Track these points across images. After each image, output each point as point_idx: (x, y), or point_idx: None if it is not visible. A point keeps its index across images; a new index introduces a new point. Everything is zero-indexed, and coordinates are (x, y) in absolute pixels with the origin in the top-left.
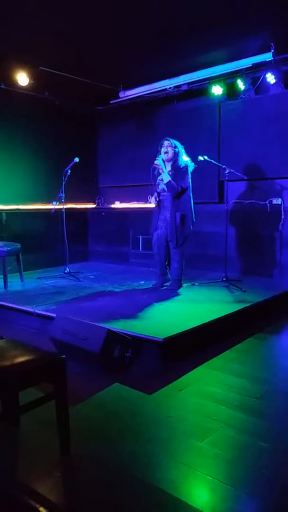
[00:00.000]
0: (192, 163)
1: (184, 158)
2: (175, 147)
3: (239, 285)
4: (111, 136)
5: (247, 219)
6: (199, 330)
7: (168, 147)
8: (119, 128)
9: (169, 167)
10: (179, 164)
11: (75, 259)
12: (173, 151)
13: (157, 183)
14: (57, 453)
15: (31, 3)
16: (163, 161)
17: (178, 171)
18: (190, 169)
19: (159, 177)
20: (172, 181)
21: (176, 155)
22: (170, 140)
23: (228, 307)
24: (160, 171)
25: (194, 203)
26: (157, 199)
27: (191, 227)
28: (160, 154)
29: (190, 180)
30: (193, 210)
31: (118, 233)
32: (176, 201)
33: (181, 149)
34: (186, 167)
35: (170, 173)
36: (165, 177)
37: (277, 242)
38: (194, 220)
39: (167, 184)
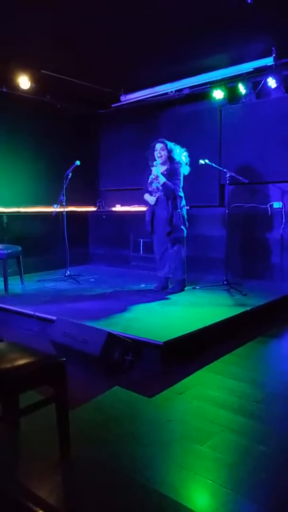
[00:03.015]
0: (187, 166)
1: (181, 159)
2: (170, 150)
3: (239, 288)
4: (112, 140)
5: (248, 223)
6: (200, 333)
7: (161, 150)
8: (120, 132)
9: (163, 169)
10: (174, 166)
11: (76, 262)
12: (166, 154)
13: (150, 181)
14: (57, 456)
15: (33, 6)
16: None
17: (172, 173)
18: (183, 170)
19: (151, 177)
20: (167, 182)
21: (170, 157)
22: (164, 142)
23: (229, 311)
24: (158, 180)
25: (195, 206)
26: (155, 195)
27: (184, 229)
28: (155, 159)
29: (181, 181)
30: (184, 211)
31: (119, 236)
32: (171, 201)
33: (175, 150)
34: (178, 168)
35: (164, 173)
36: (161, 179)
37: (278, 246)
38: (186, 223)
39: (163, 185)
